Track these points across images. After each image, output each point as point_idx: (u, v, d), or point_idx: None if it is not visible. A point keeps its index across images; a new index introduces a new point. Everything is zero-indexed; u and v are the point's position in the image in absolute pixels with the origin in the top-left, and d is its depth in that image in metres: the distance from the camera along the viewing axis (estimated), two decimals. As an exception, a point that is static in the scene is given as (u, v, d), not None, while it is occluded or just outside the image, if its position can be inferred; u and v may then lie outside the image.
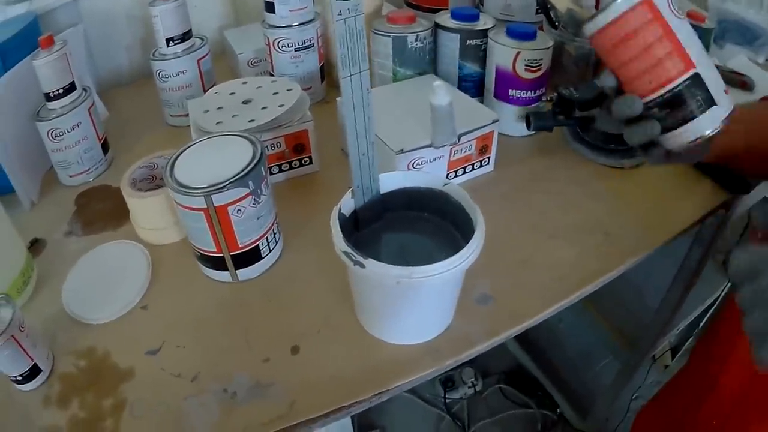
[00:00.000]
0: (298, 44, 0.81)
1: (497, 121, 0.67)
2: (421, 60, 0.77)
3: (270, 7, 0.78)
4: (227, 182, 0.49)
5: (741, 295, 0.39)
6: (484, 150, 0.68)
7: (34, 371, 0.46)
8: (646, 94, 0.49)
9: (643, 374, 1.32)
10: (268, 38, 0.81)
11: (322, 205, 0.49)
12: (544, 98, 0.76)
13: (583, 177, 0.70)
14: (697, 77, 0.47)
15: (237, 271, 0.55)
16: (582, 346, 1.38)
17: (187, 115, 0.69)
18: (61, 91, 0.67)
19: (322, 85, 0.88)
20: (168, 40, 0.78)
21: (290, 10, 0.78)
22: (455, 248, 0.43)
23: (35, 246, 0.62)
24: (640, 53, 0.48)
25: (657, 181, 0.69)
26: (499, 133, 0.68)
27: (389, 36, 0.75)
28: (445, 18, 0.78)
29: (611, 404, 1.26)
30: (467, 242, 0.43)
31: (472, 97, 0.74)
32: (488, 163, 0.71)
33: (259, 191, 0.52)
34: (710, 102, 0.48)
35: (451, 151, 0.65)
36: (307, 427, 0.45)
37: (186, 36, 0.80)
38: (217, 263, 0.55)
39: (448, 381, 1.47)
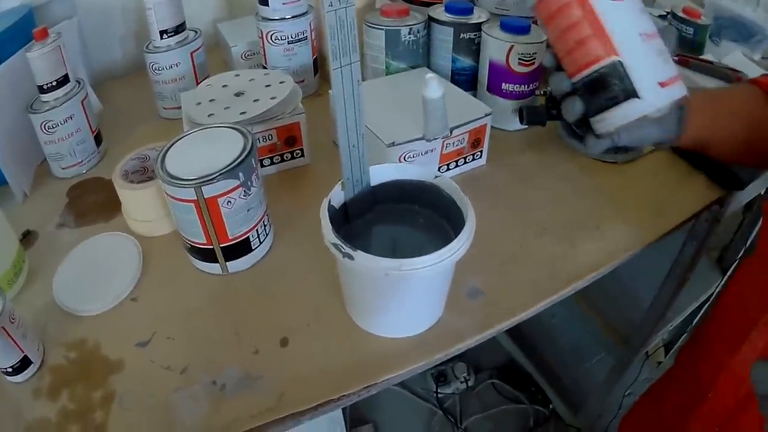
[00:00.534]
0: (291, 37, 0.80)
1: (490, 114, 0.67)
2: (414, 53, 0.77)
3: (263, 0, 0.78)
4: (217, 174, 0.49)
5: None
6: (476, 143, 0.68)
7: (24, 363, 0.46)
8: (572, 74, 0.50)
9: (636, 370, 1.32)
10: (261, 31, 0.80)
11: (314, 198, 0.49)
12: (537, 92, 0.75)
13: (576, 172, 0.70)
14: (618, 65, 0.47)
15: (227, 263, 0.55)
16: (575, 342, 1.38)
17: (180, 107, 0.69)
18: (54, 83, 0.67)
19: (315, 78, 0.88)
20: (162, 33, 0.78)
21: (284, 3, 0.78)
22: (446, 241, 0.42)
23: (27, 238, 0.62)
24: (563, 32, 0.48)
25: (650, 176, 0.69)
26: (491, 126, 0.68)
27: (382, 29, 0.74)
28: (438, 11, 0.77)
29: (603, 400, 1.26)
30: (458, 235, 0.43)
31: (466, 90, 0.74)
32: (480, 157, 0.70)
33: (249, 183, 0.52)
34: (632, 93, 0.47)
35: (443, 144, 0.65)
36: (296, 419, 0.45)
37: (180, 28, 0.80)
38: (207, 255, 0.55)
39: (440, 376, 1.47)
